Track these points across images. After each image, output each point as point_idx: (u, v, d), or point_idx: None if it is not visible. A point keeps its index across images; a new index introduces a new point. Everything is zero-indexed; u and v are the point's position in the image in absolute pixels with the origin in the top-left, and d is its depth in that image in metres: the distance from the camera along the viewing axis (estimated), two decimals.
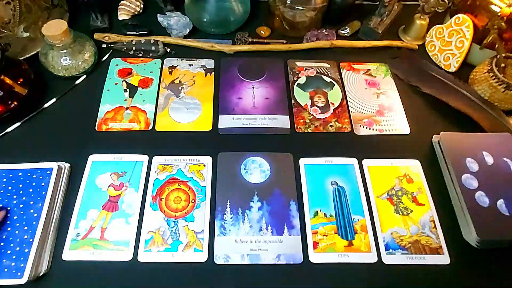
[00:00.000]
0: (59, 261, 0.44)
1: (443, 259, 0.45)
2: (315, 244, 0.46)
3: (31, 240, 0.42)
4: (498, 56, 0.58)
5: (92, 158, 0.52)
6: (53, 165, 0.47)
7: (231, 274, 0.44)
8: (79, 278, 0.43)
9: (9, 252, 0.41)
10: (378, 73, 0.65)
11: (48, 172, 0.47)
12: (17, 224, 0.43)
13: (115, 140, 0.54)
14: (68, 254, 0.44)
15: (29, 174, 0.47)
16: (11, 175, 0.47)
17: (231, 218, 0.47)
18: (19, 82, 0.54)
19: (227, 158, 0.53)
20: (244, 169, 0.52)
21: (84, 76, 0.61)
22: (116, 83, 0.61)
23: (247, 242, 0.46)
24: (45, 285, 0.42)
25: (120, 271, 0.43)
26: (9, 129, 0.54)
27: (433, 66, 0.65)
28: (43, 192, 0.45)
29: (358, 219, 0.48)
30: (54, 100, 0.58)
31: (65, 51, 0.57)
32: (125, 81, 0.61)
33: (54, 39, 0.55)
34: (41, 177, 0.46)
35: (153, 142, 0.54)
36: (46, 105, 0.57)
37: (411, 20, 0.70)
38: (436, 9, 0.65)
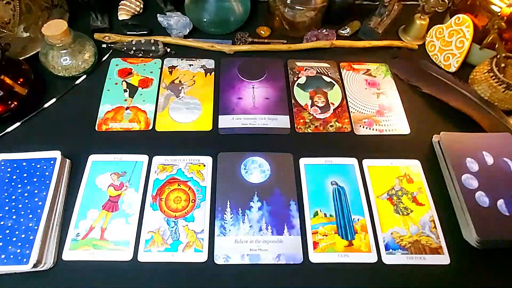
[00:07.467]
0: (59, 261, 0.44)
1: (443, 259, 0.45)
2: (315, 244, 0.46)
3: (36, 227, 0.42)
4: (498, 56, 0.58)
5: (92, 158, 0.52)
6: (57, 154, 0.48)
7: (231, 274, 0.44)
8: (79, 278, 0.43)
9: (14, 239, 0.42)
10: (378, 73, 0.65)
11: (52, 162, 0.48)
12: (22, 212, 0.44)
13: (115, 140, 0.54)
14: (68, 254, 0.44)
15: (33, 164, 0.47)
16: (15, 165, 0.47)
17: (231, 218, 0.47)
18: (19, 82, 0.54)
19: (227, 158, 0.53)
20: (244, 169, 0.52)
21: (84, 76, 0.61)
22: (116, 83, 0.61)
23: (247, 242, 0.46)
24: (45, 285, 0.42)
25: (120, 271, 0.43)
26: (9, 129, 0.54)
27: (433, 66, 0.65)
28: (47, 182, 0.46)
29: (358, 219, 0.48)
30: (54, 100, 0.58)
31: (65, 51, 0.57)
32: (125, 81, 0.61)
33: (54, 39, 0.55)
34: (45, 167, 0.47)
35: (153, 142, 0.54)
36: (46, 105, 0.57)
37: (411, 20, 0.70)
38: (436, 9, 0.65)
